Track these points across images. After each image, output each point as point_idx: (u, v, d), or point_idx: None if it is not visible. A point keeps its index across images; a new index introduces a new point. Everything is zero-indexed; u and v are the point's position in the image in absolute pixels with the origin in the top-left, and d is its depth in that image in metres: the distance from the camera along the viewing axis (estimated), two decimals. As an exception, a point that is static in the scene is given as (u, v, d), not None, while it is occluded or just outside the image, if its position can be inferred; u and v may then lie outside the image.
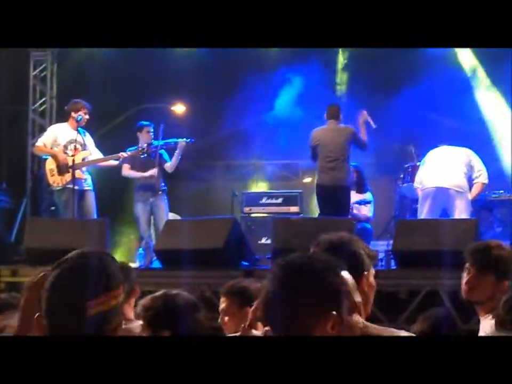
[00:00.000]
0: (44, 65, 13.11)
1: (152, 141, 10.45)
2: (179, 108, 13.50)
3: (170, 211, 10.78)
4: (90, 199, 10.08)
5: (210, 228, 8.57)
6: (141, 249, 11.42)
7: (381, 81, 12.08)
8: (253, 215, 11.69)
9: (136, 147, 10.41)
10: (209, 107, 13.32)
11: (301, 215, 11.46)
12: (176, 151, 10.42)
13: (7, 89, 12.81)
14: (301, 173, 15.06)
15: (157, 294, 3.63)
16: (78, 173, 9.95)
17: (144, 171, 10.37)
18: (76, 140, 9.96)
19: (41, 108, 13.11)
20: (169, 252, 8.34)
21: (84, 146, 10.09)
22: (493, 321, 4.10)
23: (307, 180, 14.73)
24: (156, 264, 9.17)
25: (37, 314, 2.48)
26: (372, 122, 10.08)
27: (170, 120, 10.91)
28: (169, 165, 10.52)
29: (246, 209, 11.76)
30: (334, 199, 9.64)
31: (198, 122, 12.87)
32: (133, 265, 9.02)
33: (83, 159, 10.08)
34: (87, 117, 10.11)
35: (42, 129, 12.95)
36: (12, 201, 12.13)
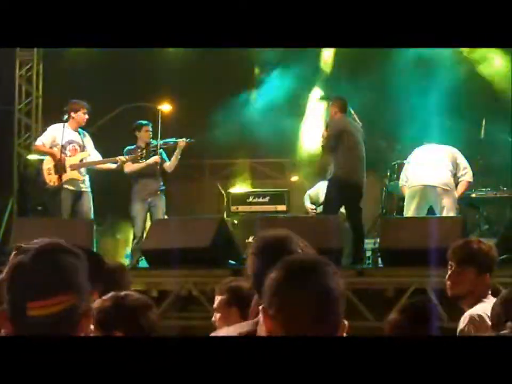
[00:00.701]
0: (29, 65, 13.07)
1: (151, 140, 10.41)
2: (166, 107, 13.48)
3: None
4: (87, 200, 10.02)
5: (198, 227, 8.59)
6: (128, 248, 11.40)
7: (366, 78, 12.09)
8: (239, 214, 11.70)
9: (134, 146, 10.38)
10: (195, 106, 13.31)
11: (288, 213, 11.47)
12: (176, 151, 10.38)
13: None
14: (287, 172, 15.08)
15: (107, 295, 3.63)
16: (75, 174, 9.93)
17: (143, 172, 10.29)
18: (74, 141, 9.97)
19: (27, 108, 13.07)
20: (156, 251, 8.35)
21: (82, 148, 10.07)
22: (466, 315, 4.19)
23: (294, 178, 14.76)
24: (143, 263, 9.16)
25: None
26: (357, 119, 10.11)
27: (156, 119, 10.86)
28: (168, 165, 10.47)
29: (233, 208, 11.77)
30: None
31: (184, 121, 12.86)
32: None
33: (81, 160, 10.05)
34: (86, 116, 10.08)
35: (28, 129, 12.94)
36: (-2, 201, 12.09)
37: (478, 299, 4.38)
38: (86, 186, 10.08)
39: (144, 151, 10.19)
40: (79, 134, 10.10)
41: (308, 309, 2.38)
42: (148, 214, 10.28)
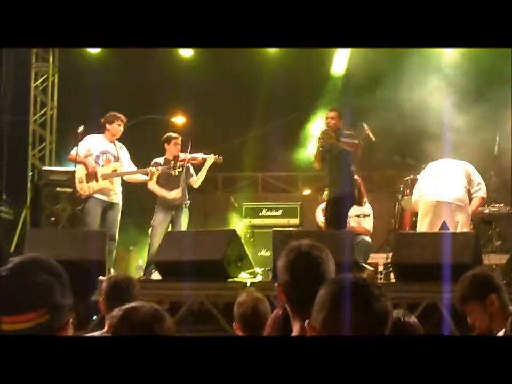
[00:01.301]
0: (45, 76, 13.16)
1: (179, 153, 10.36)
2: (179, 120, 13.51)
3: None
4: (116, 212, 9.94)
5: (210, 239, 8.58)
6: (140, 260, 11.39)
7: (380, 93, 12.11)
8: (252, 227, 11.70)
9: (162, 158, 10.33)
10: (209, 119, 13.34)
11: (301, 227, 11.47)
12: (204, 166, 10.33)
13: (8, 99, 12.83)
14: (300, 185, 15.08)
15: (115, 310, 3.63)
16: (106, 183, 9.90)
17: (168, 185, 10.23)
18: (108, 151, 9.99)
19: (42, 119, 13.14)
20: (168, 264, 8.35)
21: (116, 158, 10.06)
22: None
23: (306, 191, 14.76)
24: (155, 275, 9.16)
25: None
26: (371, 135, 10.09)
27: (169, 131, 10.88)
28: (194, 180, 10.37)
29: (246, 221, 11.76)
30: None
31: (197, 134, 12.89)
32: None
33: (114, 170, 10.03)
34: (121, 129, 10.07)
35: (43, 140, 13.01)
36: (11, 212, 12.14)
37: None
38: (118, 198, 10.00)
39: (172, 164, 10.11)
40: (115, 145, 10.09)
41: (353, 330, 2.41)
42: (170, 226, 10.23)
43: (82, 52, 13.02)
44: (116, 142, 10.12)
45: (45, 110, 13.16)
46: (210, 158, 10.23)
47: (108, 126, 9.99)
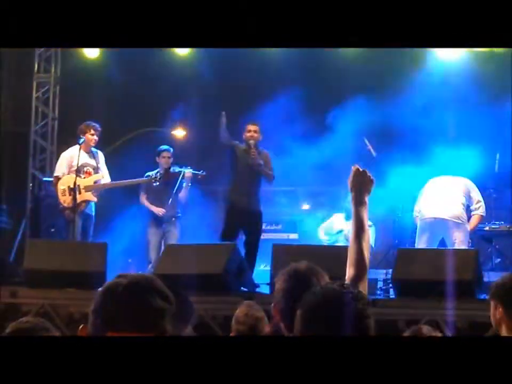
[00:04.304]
0: (46, 87, 13.15)
1: (171, 166, 10.45)
2: (179, 133, 13.50)
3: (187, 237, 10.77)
4: (92, 223, 10.24)
5: (210, 253, 8.58)
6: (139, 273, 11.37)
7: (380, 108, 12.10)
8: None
9: (157, 171, 10.42)
10: (208, 132, 13.32)
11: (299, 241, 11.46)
12: (185, 182, 10.43)
13: (9, 110, 12.83)
14: (300, 200, 15.03)
15: None
16: (89, 195, 10.05)
17: (158, 198, 10.39)
18: (87, 164, 10.14)
19: (43, 130, 13.13)
20: (168, 277, 8.33)
21: (96, 170, 10.18)
22: None
23: (305, 206, 14.71)
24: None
25: None
26: (372, 151, 10.11)
27: (169, 144, 10.92)
28: (180, 195, 10.49)
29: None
30: None
31: (197, 147, 12.87)
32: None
33: (95, 182, 10.16)
34: (94, 138, 10.17)
35: (43, 151, 12.99)
36: (11, 222, 12.12)
37: None
38: (92, 210, 10.22)
39: (158, 175, 10.20)
40: (93, 155, 10.19)
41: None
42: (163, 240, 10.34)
43: (84, 63, 13.03)
44: (93, 149, 10.26)
45: (45, 121, 13.15)
46: (188, 173, 10.34)
47: (82, 136, 10.08)
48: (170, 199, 10.26)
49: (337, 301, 2.58)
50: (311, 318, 2.59)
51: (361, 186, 3.79)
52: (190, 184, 10.43)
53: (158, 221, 10.35)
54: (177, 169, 10.41)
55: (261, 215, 9.79)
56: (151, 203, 10.41)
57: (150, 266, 10.16)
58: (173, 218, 10.36)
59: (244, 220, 9.67)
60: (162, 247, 10.19)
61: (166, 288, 2.38)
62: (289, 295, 3.37)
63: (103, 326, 2.29)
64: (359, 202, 3.77)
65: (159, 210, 10.30)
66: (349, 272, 3.66)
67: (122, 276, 2.35)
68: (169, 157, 10.47)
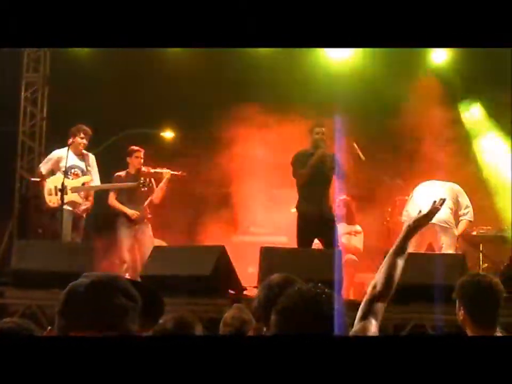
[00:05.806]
0: (35, 87, 13.10)
1: (142, 167, 10.45)
2: (168, 134, 13.45)
3: (157, 238, 10.76)
4: (82, 223, 10.27)
5: (198, 255, 8.57)
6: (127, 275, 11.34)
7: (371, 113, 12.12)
8: (240, 244, 11.67)
9: (124, 172, 10.44)
10: (198, 133, 13.29)
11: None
12: (162, 183, 10.43)
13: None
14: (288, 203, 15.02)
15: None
16: (75, 196, 10.09)
17: (130, 200, 10.38)
18: (76, 165, 10.19)
19: (31, 130, 13.07)
20: (155, 278, 8.30)
21: (84, 172, 10.21)
22: None
23: (293, 210, 14.69)
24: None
25: None
26: (361, 154, 10.09)
27: (158, 146, 10.91)
28: (154, 196, 10.52)
29: (234, 238, 11.73)
30: None
31: (186, 150, 12.84)
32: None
33: (83, 184, 10.19)
34: (84, 141, 10.21)
35: (31, 151, 12.94)
36: (-2, 223, 12.09)
37: None
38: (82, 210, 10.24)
39: (142, 180, 10.18)
40: (83, 157, 10.19)
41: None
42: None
43: (74, 64, 12.98)
44: (84, 152, 10.28)
45: (34, 121, 13.09)
46: (166, 173, 10.32)
47: (72, 139, 10.09)
48: (146, 202, 10.28)
49: (310, 300, 2.63)
50: (284, 318, 2.66)
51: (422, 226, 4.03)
52: (165, 186, 10.45)
53: (130, 221, 10.35)
54: (152, 170, 10.41)
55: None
56: (122, 203, 10.40)
57: (124, 267, 10.16)
58: (145, 220, 10.40)
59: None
60: (136, 247, 10.25)
61: (131, 286, 2.38)
62: (266, 304, 3.46)
63: (67, 326, 2.29)
64: (412, 232, 4.01)
65: (132, 214, 10.30)
66: (373, 288, 3.66)
67: (86, 275, 2.36)
68: (141, 158, 10.47)
